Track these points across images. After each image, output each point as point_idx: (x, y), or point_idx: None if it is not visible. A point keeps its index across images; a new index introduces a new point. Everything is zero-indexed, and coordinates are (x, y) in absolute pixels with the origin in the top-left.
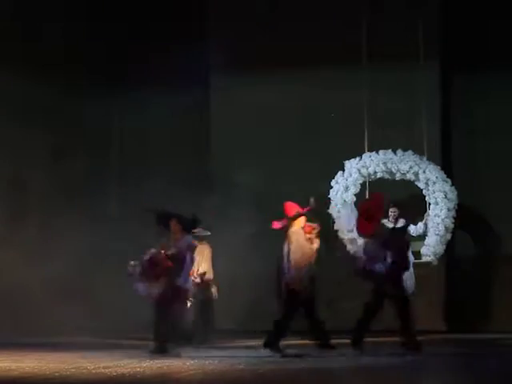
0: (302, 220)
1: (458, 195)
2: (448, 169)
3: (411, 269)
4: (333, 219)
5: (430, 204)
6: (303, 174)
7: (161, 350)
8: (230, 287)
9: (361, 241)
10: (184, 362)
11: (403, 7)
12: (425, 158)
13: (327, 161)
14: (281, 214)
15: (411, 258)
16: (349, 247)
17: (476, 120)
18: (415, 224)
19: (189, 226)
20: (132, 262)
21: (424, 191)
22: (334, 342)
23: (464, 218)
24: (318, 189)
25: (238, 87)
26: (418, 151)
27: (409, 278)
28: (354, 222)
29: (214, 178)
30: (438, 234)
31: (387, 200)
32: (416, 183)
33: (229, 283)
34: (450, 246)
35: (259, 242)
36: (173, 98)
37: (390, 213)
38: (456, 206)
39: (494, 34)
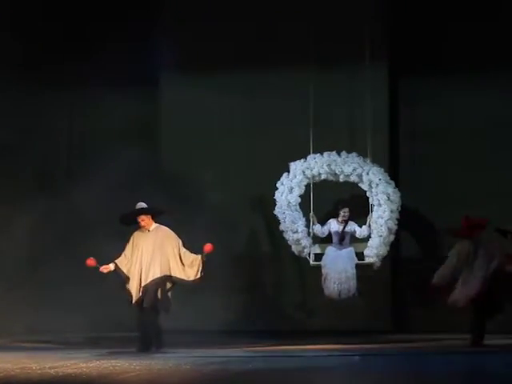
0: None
1: (406, 197)
2: (395, 171)
3: (353, 270)
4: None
5: (373, 206)
6: (251, 174)
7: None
8: (181, 287)
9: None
10: (130, 363)
11: (350, 8)
12: (368, 160)
13: (274, 162)
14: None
15: None
16: (293, 248)
17: (423, 122)
18: (360, 227)
19: None
20: None
21: (367, 193)
22: None
23: (411, 219)
24: (265, 190)
25: (189, 87)
26: (365, 153)
27: (351, 279)
28: (299, 222)
29: (165, 177)
30: (381, 236)
31: None
32: (360, 185)
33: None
34: (395, 246)
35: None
36: (123, 98)
37: (341, 214)
38: (399, 208)
39: (443, 36)
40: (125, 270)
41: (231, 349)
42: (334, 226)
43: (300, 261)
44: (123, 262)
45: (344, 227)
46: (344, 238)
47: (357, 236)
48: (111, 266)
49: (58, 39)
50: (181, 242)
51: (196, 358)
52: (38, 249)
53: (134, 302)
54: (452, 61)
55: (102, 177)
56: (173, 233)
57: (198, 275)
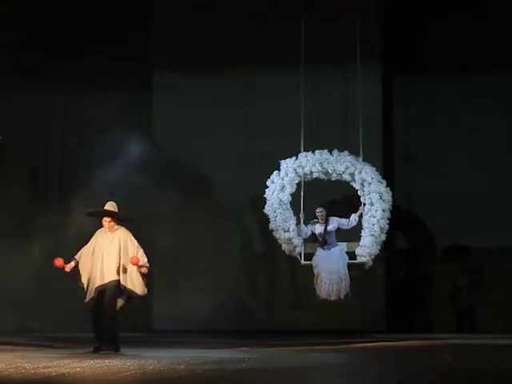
0: None
1: (400, 197)
2: (389, 170)
3: (346, 270)
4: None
5: (365, 205)
6: (244, 173)
7: None
8: (168, 287)
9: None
10: (124, 362)
11: (342, 7)
12: (360, 159)
13: (268, 161)
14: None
15: None
16: (284, 247)
17: (417, 121)
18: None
19: None
20: None
21: (359, 192)
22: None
23: (404, 219)
24: (258, 189)
25: (181, 86)
26: (358, 152)
27: (343, 279)
28: (291, 221)
29: (158, 177)
30: (373, 235)
31: None
32: (352, 184)
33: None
34: (388, 246)
35: (195, 240)
36: (115, 97)
37: (317, 214)
38: (391, 207)
39: (436, 35)
40: (81, 269)
41: (224, 348)
42: (316, 227)
43: (293, 260)
44: (82, 262)
45: (325, 228)
46: (326, 241)
47: (345, 228)
48: (72, 264)
49: (48, 40)
50: (137, 245)
51: (190, 357)
52: (27, 255)
53: (86, 301)
54: (445, 60)
55: (95, 179)
56: (130, 235)
57: (145, 291)
